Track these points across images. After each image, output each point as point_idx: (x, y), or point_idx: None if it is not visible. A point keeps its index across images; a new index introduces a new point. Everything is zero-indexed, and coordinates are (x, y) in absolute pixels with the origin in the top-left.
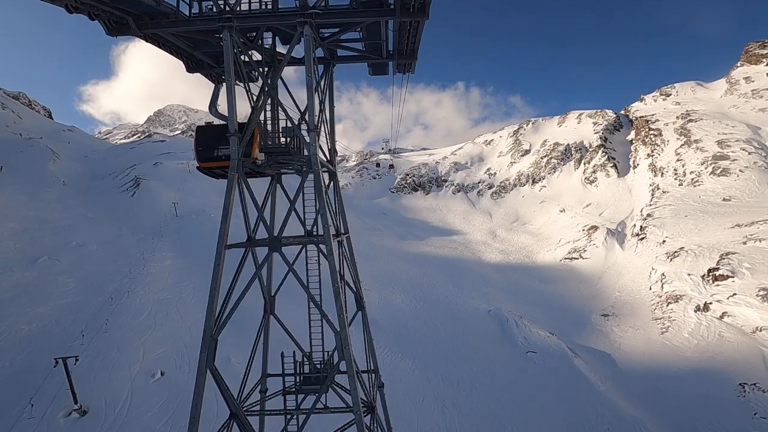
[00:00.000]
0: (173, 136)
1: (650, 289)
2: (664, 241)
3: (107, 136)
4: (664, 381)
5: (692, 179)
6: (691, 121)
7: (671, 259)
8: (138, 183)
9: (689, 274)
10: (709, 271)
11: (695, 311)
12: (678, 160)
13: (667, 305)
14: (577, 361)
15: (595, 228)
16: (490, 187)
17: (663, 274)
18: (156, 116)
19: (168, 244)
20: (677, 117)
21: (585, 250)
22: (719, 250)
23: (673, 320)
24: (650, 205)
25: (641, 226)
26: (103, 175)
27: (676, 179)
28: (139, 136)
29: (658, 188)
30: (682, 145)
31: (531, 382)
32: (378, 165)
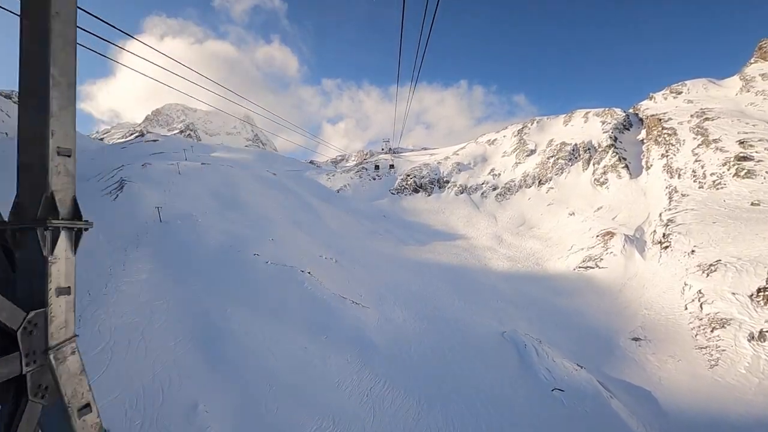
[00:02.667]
0: (168, 136)
1: (686, 308)
2: (692, 250)
3: (104, 135)
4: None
5: (714, 181)
6: (707, 119)
7: (708, 274)
8: (122, 185)
9: (734, 293)
10: (759, 290)
11: (749, 340)
12: (696, 160)
13: (712, 331)
14: (615, 404)
15: (610, 234)
16: (494, 189)
17: (700, 292)
18: (154, 115)
19: (147, 254)
20: (692, 115)
21: (601, 259)
22: (764, 264)
23: (723, 351)
24: (669, 209)
25: (664, 233)
26: (88, 177)
27: (695, 181)
28: (136, 137)
29: (676, 191)
30: (700, 144)
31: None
32: (377, 167)
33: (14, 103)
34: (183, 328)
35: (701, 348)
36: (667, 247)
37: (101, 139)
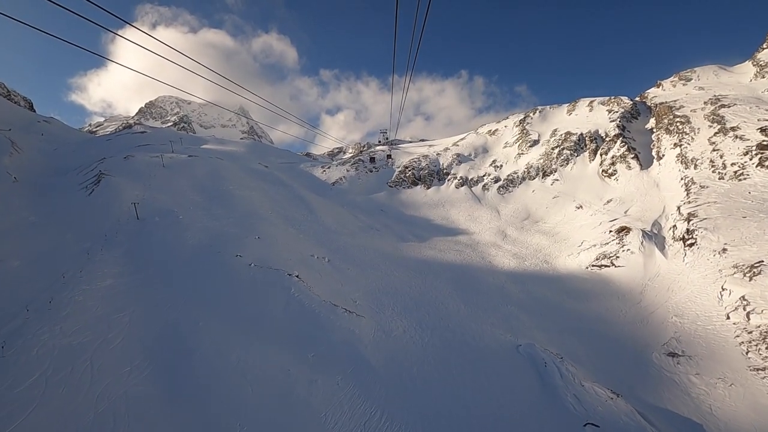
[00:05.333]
0: (157, 128)
1: (728, 318)
2: (724, 249)
3: (97, 128)
4: None
5: (735, 172)
6: (723, 106)
7: (750, 277)
8: (99, 179)
9: None
10: None
11: None
12: (714, 150)
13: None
14: None
15: (626, 229)
16: (496, 181)
17: (744, 299)
18: (147, 108)
19: (116, 256)
20: (705, 102)
21: (617, 257)
22: None
23: None
24: (689, 202)
25: (687, 229)
26: (67, 170)
27: (714, 172)
28: (124, 128)
29: (693, 182)
30: (717, 133)
31: None
32: (372, 159)
33: None
34: (143, 348)
35: (757, 369)
36: (692, 244)
37: (93, 132)
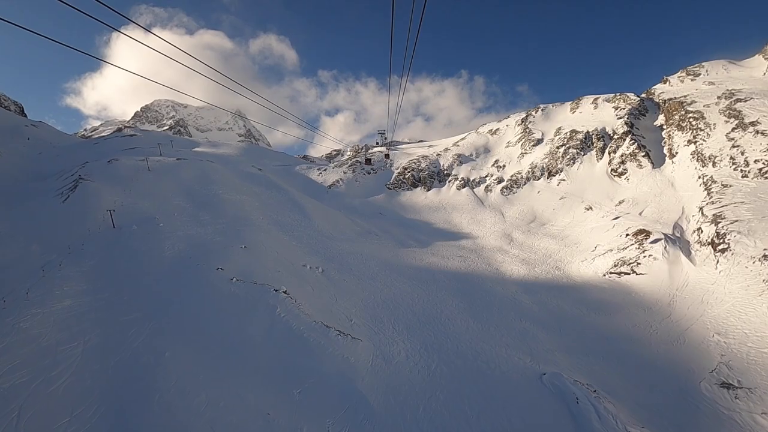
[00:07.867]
0: (150, 131)
1: None
2: (765, 255)
3: (92, 132)
4: None
5: (760, 169)
6: (739, 100)
7: None
8: (76, 185)
9: None
10: None
11: None
12: (734, 146)
13: None
14: None
15: (645, 232)
16: (499, 182)
17: None
18: (143, 111)
19: (83, 270)
20: (719, 97)
21: (638, 263)
22: None
23: None
24: (711, 202)
25: (717, 232)
26: (47, 176)
27: (736, 170)
28: (113, 132)
29: (714, 181)
30: (735, 128)
31: None
32: (369, 161)
33: None
34: (94, 389)
35: None
36: (724, 249)
37: (87, 137)
